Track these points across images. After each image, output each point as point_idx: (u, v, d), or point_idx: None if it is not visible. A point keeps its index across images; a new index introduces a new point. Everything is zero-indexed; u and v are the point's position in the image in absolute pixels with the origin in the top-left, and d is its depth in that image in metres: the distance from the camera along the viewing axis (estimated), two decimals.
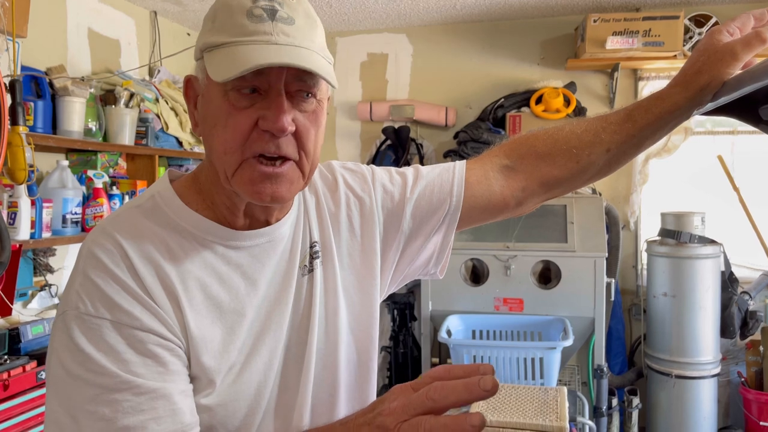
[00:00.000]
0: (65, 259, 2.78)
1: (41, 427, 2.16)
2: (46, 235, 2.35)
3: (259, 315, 0.84)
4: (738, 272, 3.24)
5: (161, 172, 3.10)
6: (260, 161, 0.76)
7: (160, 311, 0.76)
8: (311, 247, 0.91)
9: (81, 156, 2.80)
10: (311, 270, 0.90)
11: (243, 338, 0.82)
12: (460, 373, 0.66)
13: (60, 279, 2.73)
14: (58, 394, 0.73)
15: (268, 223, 0.87)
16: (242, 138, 0.75)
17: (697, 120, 3.41)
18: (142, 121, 2.89)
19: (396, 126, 3.74)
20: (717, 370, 3.13)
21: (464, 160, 1.04)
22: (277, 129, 0.74)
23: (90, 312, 0.73)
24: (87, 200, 2.59)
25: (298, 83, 0.76)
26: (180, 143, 3.11)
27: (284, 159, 0.77)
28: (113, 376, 0.71)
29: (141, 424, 0.71)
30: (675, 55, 3.24)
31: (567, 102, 3.40)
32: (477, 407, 2.01)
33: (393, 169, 1.04)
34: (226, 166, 0.77)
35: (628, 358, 3.53)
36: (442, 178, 1.00)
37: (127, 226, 0.79)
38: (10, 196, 2.23)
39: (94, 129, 2.68)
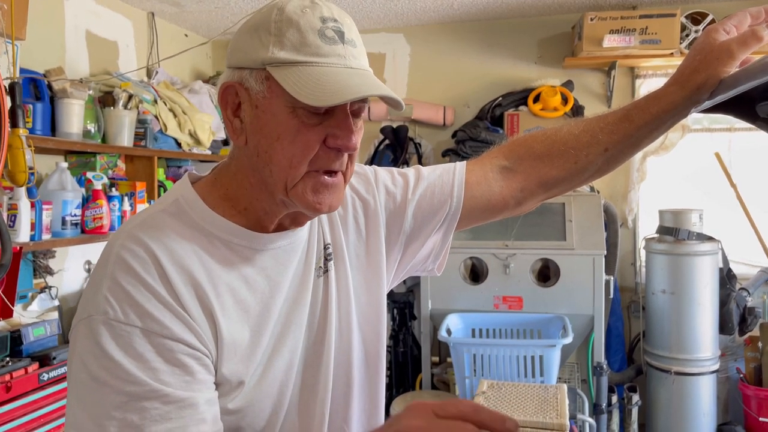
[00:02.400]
0: (65, 261, 2.78)
1: (43, 429, 2.17)
2: (45, 237, 2.36)
3: (281, 316, 0.85)
4: (736, 269, 3.25)
5: (160, 173, 3.10)
6: (322, 174, 0.80)
7: (191, 320, 0.75)
8: (325, 248, 0.93)
9: (80, 158, 2.81)
10: (326, 271, 0.92)
11: (267, 340, 0.83)
12: (486, 418, 0.64)
13: (60, 281, 2.73)
14: (81, 399, 0.72)
15: (291, 227, 0.88)
16: (311, 154, 0.78)
17: (694, 117, 3.40)
18: (141, 122, 2.89)
19: (394, 125, 3.75)
20: (716, 367, 3.14)
21: (464, 162, 1.05)
22: (348, 148, 0.79)
23: (120, 318, 0.72)
24: (86, 202, 2.59)
25: (359, 103, 0.80)
26: (178, 144, 3.11)
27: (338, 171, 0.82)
28: (142, 384, 0.70)
29: None
30: (672, 53, 3.25)
31: (565, 100, 3.41)
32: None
33: (395, 169, 1.06)
34: (289, 178, 0.78)
35: (628, 356, 3.54)
36: (442, 180, 1.02)
37: (155, 231, 0.79)
38: (10, 198, 2.24)
39: (92, 131, 2.68)
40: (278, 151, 0.78)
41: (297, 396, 0.87)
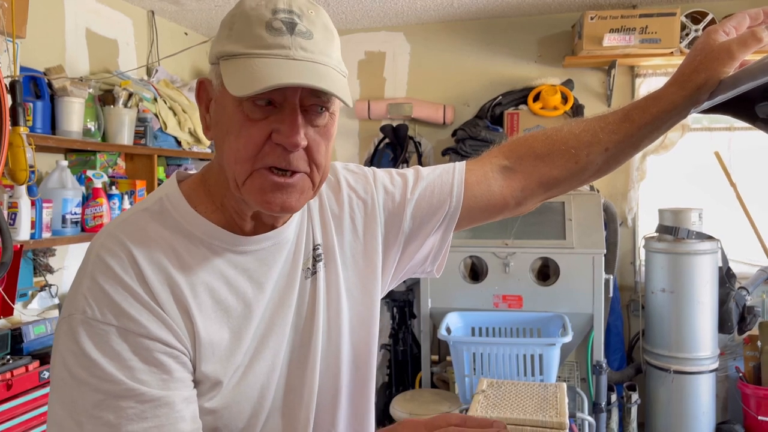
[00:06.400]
0: (65, 260, 2.79)
1: (44, 427, 2.18)
2: (46, 235, 2.36)
3: (264, 317, 0.85)
4: (735, 268, 3.26)
5: (160, 171, 3.10)
6: (271, 171, 0.77)
7: (168, 319, 0.76)
8: (314, 249, 0.92)
9: (80, 156, 2.81)
10: (314, 273, 0.91)
11: (248, 341, 0.82)
12: (474, 424, 0.69)
13: (60, 279, 2.73)
14: (61, 397, 0.73)
15: (273, 227, 0.87)
16: (255, 149, 0.76)
17: (694, 117, 3.38)
18: (141, 120, 2.89)
19: (394, 124, 3.75)
20: (715, 366, 3.14)
21: (464, 161, 1.05)
22: (290, 144, 0.75)
23: (97, 317, 0.73)
24: (86, 200, 2.59)
25: (313, 98, 0.76)
26: (178, 143, 3.11)
27: (295, 171, 0.78)
28: (118, 382, 0.71)
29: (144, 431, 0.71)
30: (672, 52, 3.26)
31: (564, 99, 3.41)
32: (477, 404, 2.02)
33: (394, 170, 1.05)
34: (236, 174, 0.77)
35: (627, 354, 3.55)
36: (442, 179, 1.01)
37: (135, 231, 0.79)
38: (10, 196, 2.24)
39: (93, 129, 2.68)
40: (226, 145, 0.78)
41: (281, 399, 0.86)
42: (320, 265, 0.92)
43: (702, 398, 3.11)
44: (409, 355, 3.55)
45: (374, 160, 3.77)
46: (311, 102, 0.77)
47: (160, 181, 3.06)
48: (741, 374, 3.26)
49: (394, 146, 3.74)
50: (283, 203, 0.78)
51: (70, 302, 0.76)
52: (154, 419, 0.72)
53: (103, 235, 0.80)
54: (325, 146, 0.80)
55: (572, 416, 2.55)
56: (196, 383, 0.79)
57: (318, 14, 0.78)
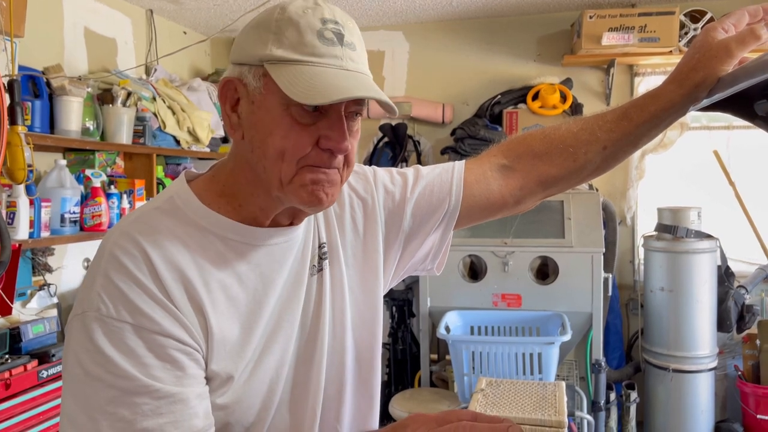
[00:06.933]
0: (64, 259, 2.78)
1: (42, 426, 2.18)
2: (44, 234, 2.36)
3: (273, 314, 0.86)
4: (734, 266, 3.26)
5: (159, 170, 3.10)
6: (316, 167, 0.80)
7: (181, 316, 0.76)
8: (320, 247, 0.93)
9: (79, 155, 2.81)
10: (320, 270, 0.92)
11: (258, 337, 0.83)
12: (486, 420, 0.70)
13: (59, 278, 2.73)
14: (75, 394, 0.73)
15: (291, 225, 0.89)
16: (303, 152, 0.78)
17: (692, 115, 3.42)
18: (140, 119, 2.89)
19: (393, 123, 3.74)
20: (714, 364, 3.15)
21: (463, 161, 1.06)
22: (340, 150, 0.80)
23: (112, 315, 0.73)
24: (85, 199, 2.59)
25: (355, 106, 0.81)
26: (177, 142, 3.11)
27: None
28: (133, 379, 0.72)
29: (159, 428, 0.72)
30: (670, 51, 3.26)
31: (563, 98, 3.41)
32: (476, 403, 2.02)
33: (394, 169, 1.06)
34: (282, 173, 0.79)
35: (626, 353, 3.55)
36: (441, 178, 1.02)
37: (148, 229, 0.80)
38: (9, 195, 2.24)
39: (91, 128, 2.68)
40: (270, 145, 0.79)
41: (288, 393, 0.87)
42: (325, 263, 0.93)
43: (701, 397, 3.11)
44: (408, 353, 3.56)
45: (373, 159, 3.77)
46: (351, 110, 0.81)
47: (159, 180, 3.06)
48: (740, 373, 3.27)
49: (393, 145, 3.74)
50: (327, 195, 0.82)
51: (83, 300, 0.76)
52: (169, 415, 0.72)
53: (115, 233, 0.80)
54: (355, 147, 0.85)
55: (571, 415, 2.55)
56: (208, 379, 0.79)
57: (354, 26, 0.81)
